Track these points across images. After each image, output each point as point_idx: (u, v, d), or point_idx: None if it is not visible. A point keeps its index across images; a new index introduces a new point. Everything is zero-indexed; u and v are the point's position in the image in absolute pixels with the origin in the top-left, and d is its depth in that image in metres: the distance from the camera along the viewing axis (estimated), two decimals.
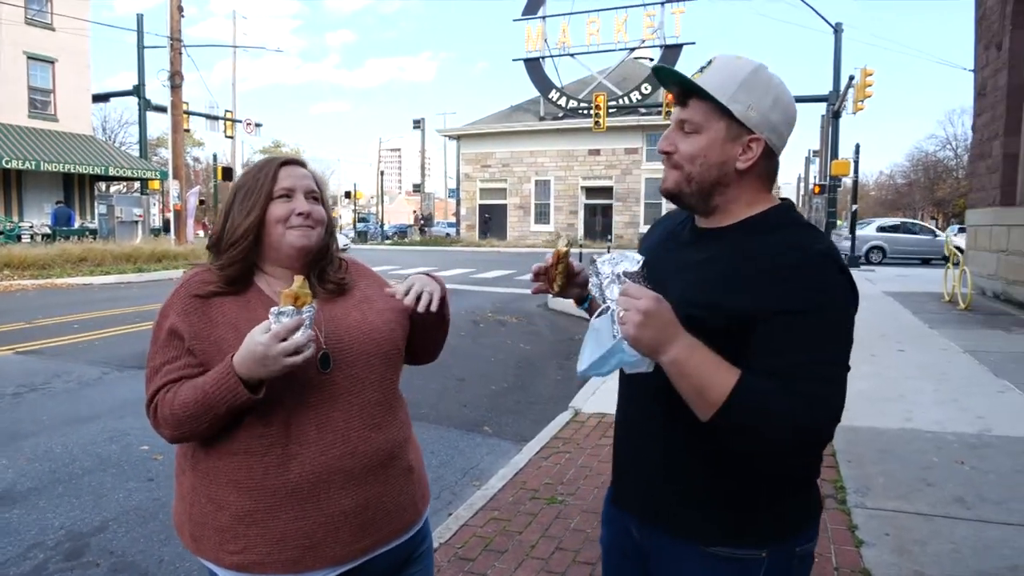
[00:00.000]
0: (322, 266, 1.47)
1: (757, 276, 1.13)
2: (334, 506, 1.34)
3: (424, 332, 1.57)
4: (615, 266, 1.15)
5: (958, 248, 11.70)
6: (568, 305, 11.66)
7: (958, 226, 21.34)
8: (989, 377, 5.82)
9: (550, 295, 1.48)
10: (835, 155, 22.15)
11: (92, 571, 3.04)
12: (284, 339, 1.21)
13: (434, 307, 1.42)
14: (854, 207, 21.34)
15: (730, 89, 1.17)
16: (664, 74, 1.24)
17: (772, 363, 1.09)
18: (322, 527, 1.33)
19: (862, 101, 20.12)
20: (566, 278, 1.46)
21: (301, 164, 1.48)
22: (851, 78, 20.51)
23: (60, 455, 4.42)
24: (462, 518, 3.38)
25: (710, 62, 1.22)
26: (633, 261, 1.15)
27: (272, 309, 1.25)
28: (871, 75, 19.78)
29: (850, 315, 1.15)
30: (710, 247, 1.24)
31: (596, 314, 1.19)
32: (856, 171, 20.16)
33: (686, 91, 1.22)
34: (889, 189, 59.01)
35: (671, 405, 1.21)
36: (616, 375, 1.42)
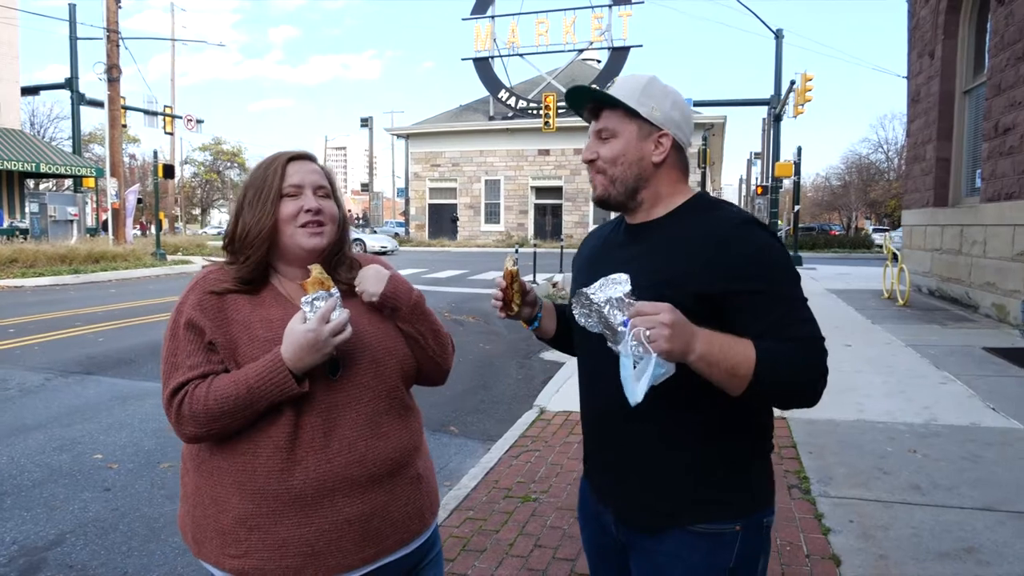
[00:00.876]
0: (334, 265, 1.43)
1: (704, 252, 1.26)
2: (337, 514, 1.31)
3: (412, 345, 1.47)
4: (606, 291, 1.17)
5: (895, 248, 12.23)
6: None
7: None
8: (931, 369, 6.11)
9: (508, 310, 1.47)
10: (777, 157, 22.86)
11: None
12: (328, 320, 1.26)
13: (366, 298, 1.40)
14: (796, 208, 22.07)
15: (635, 95, 1.34)
16: (576, 92, 1.38)
17: (757, 327, 1.22)
18: (324, 535, 1.30)
19: (802, 105, 20.83)
20: (521, 297, 1.48)
21: (310, 158, 1.45)
22: (792, 83, 21.20)
23: (6, 466, 4.20)
24: (437, 519, 3.35)
25: (612, 82, 1.41)
26: (623, 282, 1.18)
27: (303, 299, 1.28)
28: (811, 80, 20.50)
29: (790, 262, 1.29)
30: (649, 238, 1.36)
31: (614, 343, 1.19)
32: (798, 173, 20.85)
33: (598, 104, 1.38)
34: (825, 190, 61.15)
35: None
36: (576, 374, 1.47)
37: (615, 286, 1.17)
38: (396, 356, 1.43)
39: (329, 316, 1.26)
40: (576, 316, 1.22)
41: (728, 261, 1.24)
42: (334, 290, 1.30)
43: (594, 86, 1.36)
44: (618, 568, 1.47)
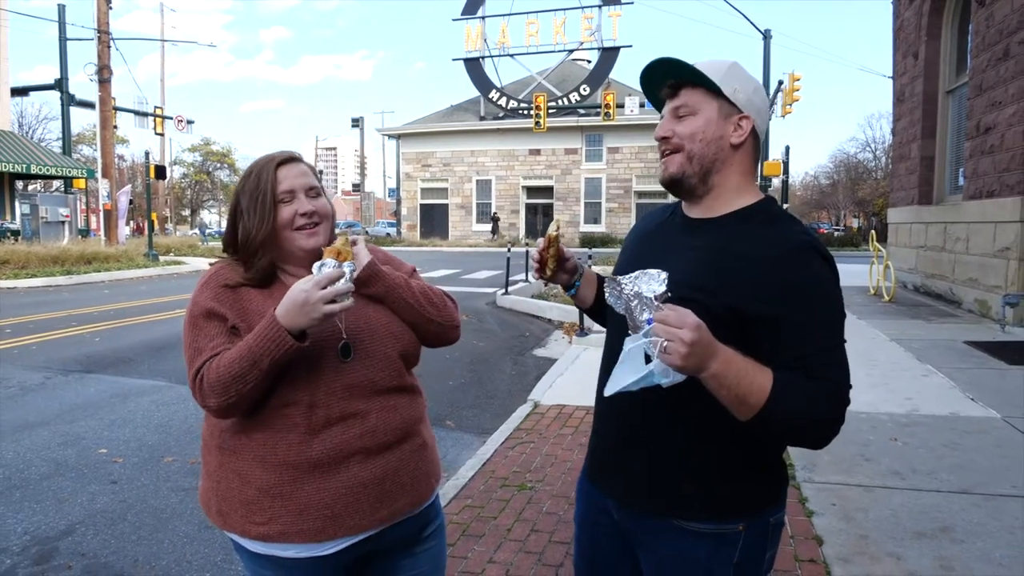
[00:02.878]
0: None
1: (750, 268, 1.23)
2: (354, 478, 1.43)
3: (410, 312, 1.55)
4: (639, 285, 1.16)
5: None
6: (518, 303, 11.86)
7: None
8: (914, 362, 6.28)
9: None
10: (765, 156, 23.10)
11: (65, 573, 3.00)
12: (325, 287, 1.30)
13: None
14: (785, 206, 22.31)
15: (719, 75, 1.30)
16: (657, 65, 1.34)
17: (785, 357, 1.19)
18: (342, 498, 1.42)
19: (790, 105, 21.08)
20: (556, 263, 1.51)
21: (297, 160, 1.54)
22: (780, 83, 21.45)
23: (13, 461, 4.29)
24: (440, 486, 3.47)
25: (694, 64, 1.34)
26: (658, 280, 1.15)
27: (316, 264, 1.34)
28: (798, 80, 20.75)
29: (839, 297, 1.26)
30: (704, 236, 1.32)
31: (629, 337, 1.19)
32: (786, 172, 21.07)
33: (678, 82, 1.33)
34: (814, 189, 61.64)
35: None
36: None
37: (649, 283, 1.15)
38: (403, 340, 1.55)
39: (327, 283, 1.29)
40: (606, 294, 1.23)
41: (776, 283, 1.21)
42: (347, 264, 1.34)
43: (678, 58, 1.32)
44: (612, 550, 1.47)
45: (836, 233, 41.01)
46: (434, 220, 38.39)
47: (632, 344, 1.17)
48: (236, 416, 1.43)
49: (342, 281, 1.31)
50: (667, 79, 1.35)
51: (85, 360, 7.13)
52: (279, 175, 1.47)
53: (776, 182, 23.23)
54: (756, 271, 1.22)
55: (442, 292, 1.64)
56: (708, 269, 1.26)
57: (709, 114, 1.31)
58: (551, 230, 1.51)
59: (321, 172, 51.41)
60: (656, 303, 1.13)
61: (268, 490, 1.41)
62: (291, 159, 1.52)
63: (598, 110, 29.49)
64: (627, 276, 1.19)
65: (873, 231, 15.07)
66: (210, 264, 1.56)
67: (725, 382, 1.14)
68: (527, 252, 16.54)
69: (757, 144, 1.36)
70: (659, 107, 1.41)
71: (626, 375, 1.16)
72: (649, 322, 1.12)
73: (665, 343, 1.09)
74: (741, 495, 1.31)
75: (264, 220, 1.45)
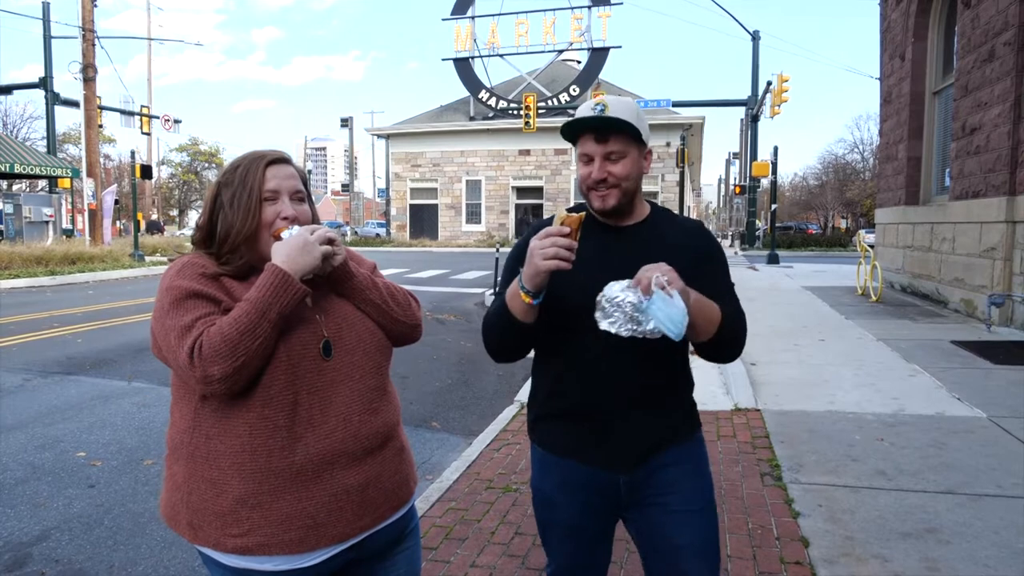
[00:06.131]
0: None
1: (686, 244, 1.66)
2: (336, 486, 1.38)
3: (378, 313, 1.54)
4: (615, 291, 1.40)
5: (869, 245, 12.49)
6: None
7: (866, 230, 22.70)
8: (900, 362, 6.28)
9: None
10: (754, 157, 23.21)
11: None
12: (312, 233, 1.39)
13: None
14: (773, 207, 22.38)
15: (636, 120, 1.57)
16: (582, 122, 1.56)
17: (712, 291, 1.59)
18: (325, 507, 1.36)
19: (779, 106, 21.16)
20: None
21: (287, 161, 1.50)
22: (768, 84, 21.54)
23: None
24: (419, 510, 3.42)
25: (605, 105, 1.56)
26: (619, 288, 1.41)
27: (284, 232, 1.42)
28: (787, 81, 20.83)
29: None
30: (639, 236, 1.67)
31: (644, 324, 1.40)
32: (775, 172, 21.15)
33: (608, 129, 1.56)
34: (803, 190, 61.94)
35: (644, 367, 1.60)
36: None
37: (618, 292, 1.39)
38: (379, 336, 1.52)
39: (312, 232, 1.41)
40: (607, 326, 1.41)
41: (704, 248, 1.69)
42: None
43: (620, 118, 1.54)
44: (609, 523, 1.74)
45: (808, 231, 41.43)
46: (424, 220, 38.27)
47: (650, 318, 1.37)
48: (240, 386, 1.30)
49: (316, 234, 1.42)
50: (594, 128, 1.56)
51: (66, 362, 7.02)
52: (267, 173, 1.44)
53: (765, 183, 23.35)
54: (692, 245, 1.67)
55: (405, 291, 1.61)
56: (661, 257, 1.49)
57: (634, 156, 1.60)
58: (573, 213, 1.43)
59: (310, 172, 51.19)
60: (630, 286, 1.39)
61: (245, 500, 1.33)
62: (282, 159, 1.49)
63: None
64: (608, 294, 1.41)
65: (860, 231, 15.11)
66: (170, 260, 1.49)
67: (702, 304, 1.51)
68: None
69: None
70: (572, 140, 1.63)
71: (670, 321, 1.35)
72: (642, 299, 1.36)
73: (663, 277, 1.36)
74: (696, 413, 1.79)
75: (248, 218, 1.42)
